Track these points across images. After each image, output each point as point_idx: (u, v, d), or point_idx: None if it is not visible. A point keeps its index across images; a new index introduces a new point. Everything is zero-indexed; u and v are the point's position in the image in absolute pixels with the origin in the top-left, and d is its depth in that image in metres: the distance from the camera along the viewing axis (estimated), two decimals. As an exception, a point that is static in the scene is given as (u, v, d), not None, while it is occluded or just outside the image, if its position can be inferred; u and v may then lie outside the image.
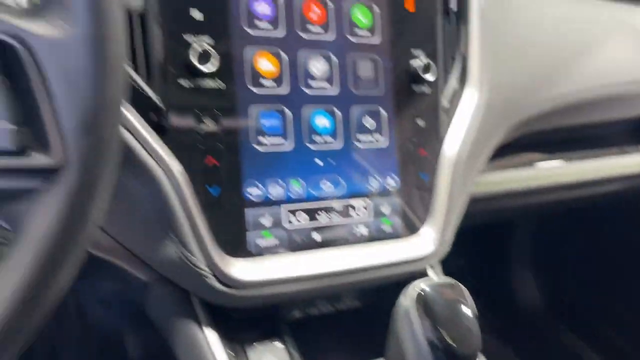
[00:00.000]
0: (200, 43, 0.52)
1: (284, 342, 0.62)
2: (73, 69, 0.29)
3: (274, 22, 0.58)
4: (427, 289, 0.48)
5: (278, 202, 0.58)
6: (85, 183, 0.30)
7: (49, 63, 0.29)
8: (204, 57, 0.52)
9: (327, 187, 0.61)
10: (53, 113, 0.29)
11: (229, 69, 0.55)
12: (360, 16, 0.63)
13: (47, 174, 0.29)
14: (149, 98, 0.50)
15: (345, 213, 0.62)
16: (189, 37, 0.53)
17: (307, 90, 0.60)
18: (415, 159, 0.66)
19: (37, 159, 0.29)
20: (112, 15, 0.30)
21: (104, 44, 0.29)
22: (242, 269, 0.55)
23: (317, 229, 0.60)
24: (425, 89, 0.66)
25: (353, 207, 0.62)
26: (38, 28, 0.29)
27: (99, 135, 0.30)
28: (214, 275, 0.53)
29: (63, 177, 0.29)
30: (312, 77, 0.60)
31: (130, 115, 0.48)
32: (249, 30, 0.57)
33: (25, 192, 0.29)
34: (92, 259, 0.57)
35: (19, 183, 0.29)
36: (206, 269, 0.53)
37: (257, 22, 0.57)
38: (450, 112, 0.69)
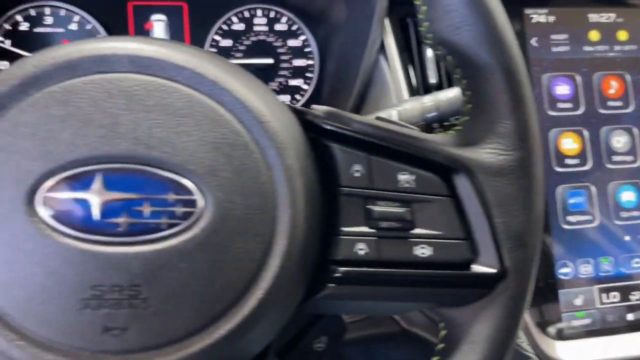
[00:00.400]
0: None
1: None
2: (507, 190, 0.33)
3: (573, 101, 0.59)
4: None
5: (589, 282, 0.57)
6: (520, 290, 0.33)
7: (488, 186, 0.33)
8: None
9: (637, 264, 0.58)
10: (491, 230, 0.33)
11: (537, 151, 0.57)
12: (660, 85, 0.61)
13: (488, 282, 0.33)
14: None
15: (658, 291, 0.59)
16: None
17: (610, 165, 0.59)
18: None
19: (479, 270, 0.33)
20: (537, 138, 0.33)
21: (533, 168, 0.33)
22: (563, 352, 0.55)
23: (630, 308, 0.58)
24: None
25: (667, 285, 0.59)
26: (478, 156, 0.33)
27: (530, 247, 0.33)
28: (538, 357, 0.54)
29: (501, 285, 0.33)
30: (614, 152, 0.59)
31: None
32: (552, 113, 0.58)
33: (470, 299, 0.33)
34: (407, 333, 0.61)
35: (463, 291, 0.33)
36: (531, 350, 0.53)
37: (558, 104, 0.58)
38: None
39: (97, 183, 0.28)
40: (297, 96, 0.69)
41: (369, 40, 0.55)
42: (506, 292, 0.33)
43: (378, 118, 0.38)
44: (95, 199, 0.27)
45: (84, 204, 0.27)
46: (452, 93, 0.45)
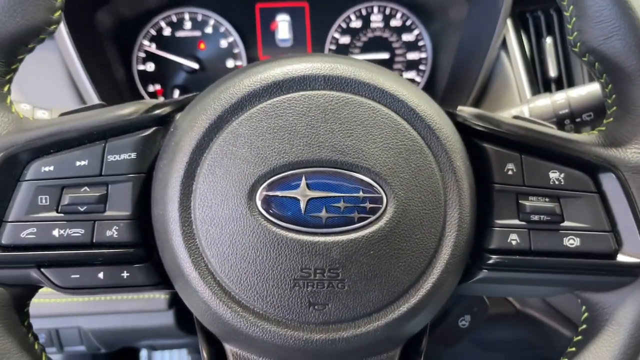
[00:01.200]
0: None
1: None
2: None
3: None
4: None
5: None
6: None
7: (634, 183, 0.36)
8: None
9: None
10: (637, 223, 0.36)
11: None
12: None
13: (633, 271, 0.36)
14: None
15: None
16: None
17: None
18: None
19: (624, 259, 0.36)
20: None
21: None
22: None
23: None
24: None
25: None
26: (625, 155, 0.36)
27: None
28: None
29: None
30: None
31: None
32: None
33: (615, 285, 0.37)
34: (521, 314, 0.65)
35: (609, 278, 0.37)
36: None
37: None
38: None
39: (303, 184, 0.33)
40: (411, 88, 0.73)
41: (493, 37, 0.57)
42: None
43: (516, 117, 0.41)
44: (302, 197, 0.33)
45: (293, 201, 0.33)
46: (585, 91, 0.48)
